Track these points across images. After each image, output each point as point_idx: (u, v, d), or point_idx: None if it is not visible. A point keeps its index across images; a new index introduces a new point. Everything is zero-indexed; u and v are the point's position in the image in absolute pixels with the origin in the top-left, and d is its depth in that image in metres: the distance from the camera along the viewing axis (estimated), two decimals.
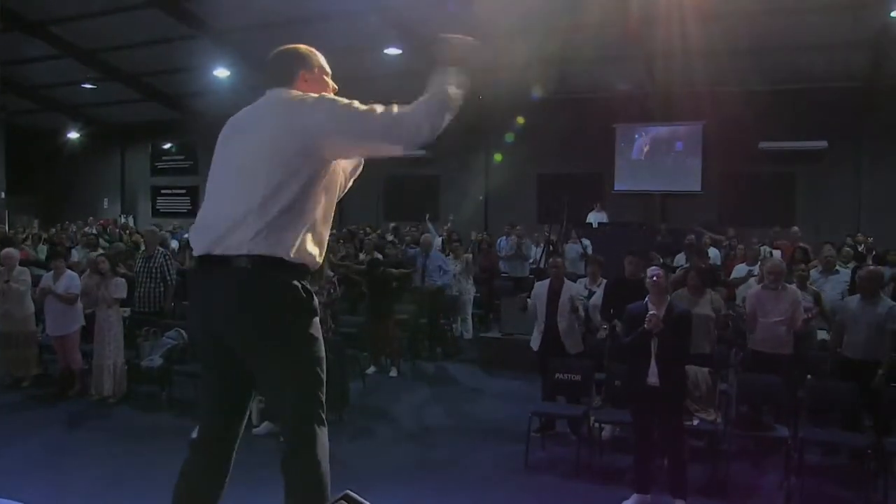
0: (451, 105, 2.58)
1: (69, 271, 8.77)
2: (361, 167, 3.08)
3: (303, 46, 2.87)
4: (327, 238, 2.72)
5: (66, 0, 16.17)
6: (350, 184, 3.04)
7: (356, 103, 2.56)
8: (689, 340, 5.73)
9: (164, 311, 9.41)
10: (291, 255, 2.52)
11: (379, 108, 2.53)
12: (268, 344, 2.54)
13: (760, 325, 6.91)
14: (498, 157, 19.60)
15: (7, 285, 8.65)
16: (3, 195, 23.83)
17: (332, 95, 2.68)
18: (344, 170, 2.86)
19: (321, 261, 2.69)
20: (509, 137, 18.93)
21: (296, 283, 2.54)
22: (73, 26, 17.73)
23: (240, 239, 2.49)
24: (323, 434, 2.61)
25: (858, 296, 6.84)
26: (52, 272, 8.77)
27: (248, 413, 2.81)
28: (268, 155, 2.53)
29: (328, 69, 2.86)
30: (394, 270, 10.27)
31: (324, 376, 2.62)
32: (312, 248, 2.59)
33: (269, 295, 2.51)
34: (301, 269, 2.56)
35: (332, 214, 2.73)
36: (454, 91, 2.59)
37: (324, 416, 2.62)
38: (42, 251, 14.66)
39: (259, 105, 2.76)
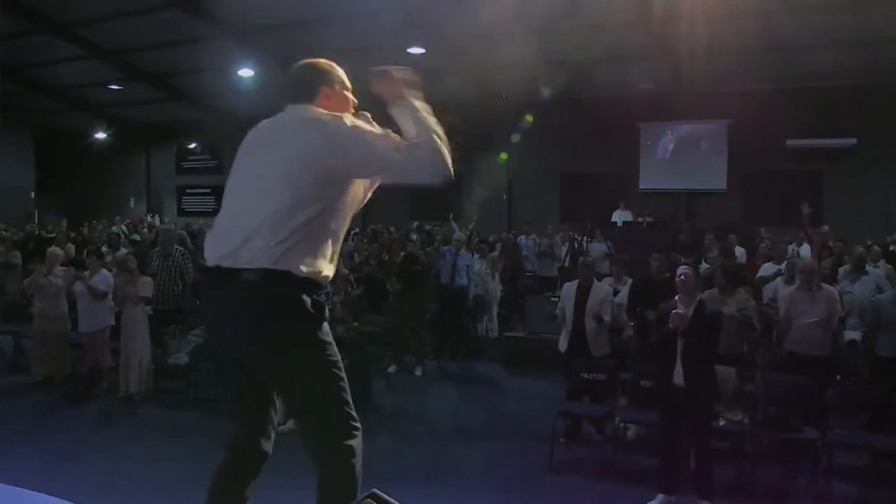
0: (439, 132, 2.55)
1: (103, 270, 8.88)
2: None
3: (323, 61, 2.84)
4: (338, 251, 2.71)
5: (92, 2, 16.31)
6: (370, 194, 3.03)
7: (372, 137, 2.54)
8: (717, 341, 5.66)
9: (183, 309, 9.48)
10: (301, 272, 2.51)
11: (394, 145, 2.51)
12: (277, 354, 2.55)
13: (795, 327, 6.80)
14: (503, 156, 19.50)
15: (46, 279, 8.82)
16: (32, 195, 24.19)
17: (351, 123, 2.61)
18: (364, 183, 2.85)
19: (332, 275, 2.68)
20: (515, 138, 18.93)
21: (304, 297, 2.53)
22: (99, 28, 17.89)
23: (250, 253, 2.50)
24: (351, 435, 2.61)
25: (893, 292, 6.73)
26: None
27: (275, 416, 2.81)
28: (282, 175, 2.53)
29: (349, 84, 2.84)
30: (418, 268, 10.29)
31: (343, 376, 2.61)
32: (323, 265, 2.59)
33: (275, 308, 2.51)
34: (310, 283, 2.55)
35: (347, 226, 2.73)
36: (432, 119, 2.56)
37: (351, 415, 2.62)
38: (70, 251, 14.83)
39: (279, 121, 2.74)
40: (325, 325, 2.60)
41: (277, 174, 2.54)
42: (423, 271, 10.37)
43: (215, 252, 2.61)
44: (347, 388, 2.63)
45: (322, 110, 2.66)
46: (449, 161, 2.51)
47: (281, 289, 2.50)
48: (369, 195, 3.01)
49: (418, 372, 9.89)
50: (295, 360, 2.54)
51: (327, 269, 2.61)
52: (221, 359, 2.81)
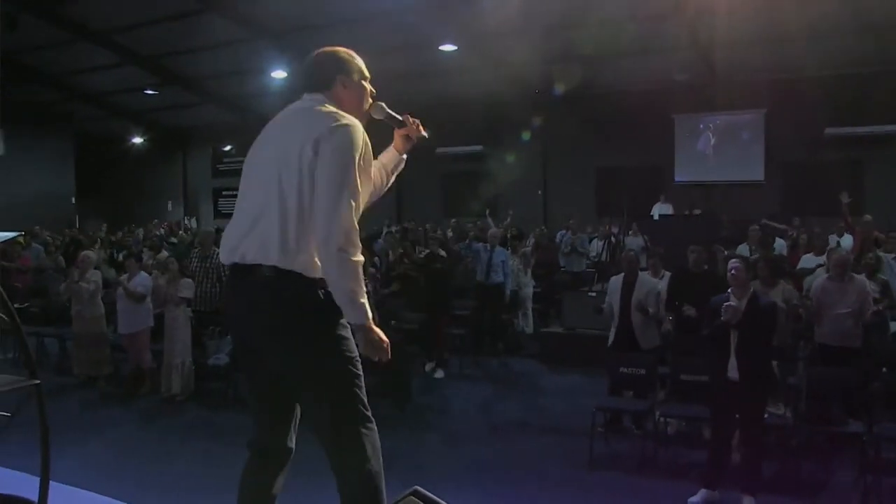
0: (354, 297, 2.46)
1: (142, 272, 9.01)
2: (403, 164, 3.05)
3: (342, 50, 2.81)
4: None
5: (127, 9, 16.56)
6: (392, 179, 3.01)
7: (349, 189, 2.47)
8: (772, 334, 5.59)
9: (222, 310, 9.57)
10: (310, 273, 2.52)
11: (344, 223, 2.44)
12: (293, 348, 2.55)
13: (827, 318, 6.72)
14: (508, 151, 19.43)
15: (77, 285, 8.96)
16: (73, 200, 24.64)
17: (352, 155, 2.51)
18: (384, 167, 2.83)
19: None
20: (524, 136, 18.91)
21: (320, 291, 2.53)
22: (135, 34, 18.16)
23: (263, 250, 2.52)
24: (366, 431, 2.57)
25: None
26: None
27: (296, 413, 2.79)
28: (288, 170, 2.52)
29: (367, 73, 2.81)
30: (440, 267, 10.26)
31: (359, 372, 2.59)
32: None
33: (290, 301, 2.51)
34: (320, 281, 2.54)
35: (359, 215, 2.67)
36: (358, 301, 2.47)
37: (365, 413, 2.59)
38: (108, 254, 15.12)
39: (293, 113, 2.74)
40: (343, 320, 2.57)
41: (282, 170, 2.53)
42: (446, 269, 10.29)
43: (229, 249, 2.63)
44: (363, 385, 2.60)
45: (341, 112, 2.62)
46: (346, 283, 2.44)
47: (296, 284, 2.51)
48: (392, 180, 3.00)
49: (439, 374, 9.70)
50: (310, 352, 2.54)
51: None
52: (243, 355, 2.83)
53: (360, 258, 2.48)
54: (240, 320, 2.69)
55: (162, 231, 19.33)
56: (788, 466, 5.99)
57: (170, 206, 27.43)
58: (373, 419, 2.60)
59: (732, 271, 5.47)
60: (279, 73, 19.17)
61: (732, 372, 5.31)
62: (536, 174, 20.00)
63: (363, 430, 2.56)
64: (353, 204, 2.48)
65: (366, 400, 2.60)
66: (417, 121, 2.99)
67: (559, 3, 14.14)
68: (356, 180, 2.50)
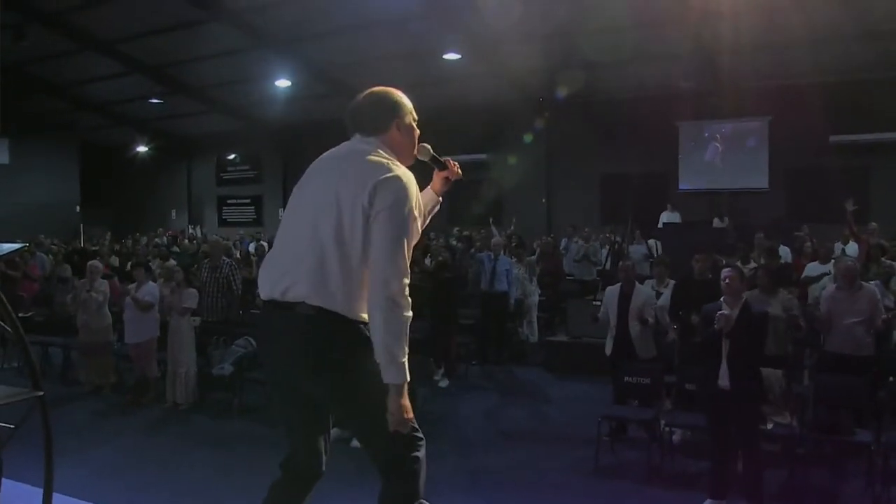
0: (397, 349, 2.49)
1: (150, 282, 9.02)
2: (439, 206, 3.09)
3: (395, 92, 2.83)
4: None
5: (132, 19, 16.64)
6: (428, 220, 3.02)
7: (403, 242, 2.52)
8: (763, 342, 5.58)
9: (231, 320, 9.57)
10: (352, 314, 2.55)
11: (401, 269, 2.49)
12: (340, 381, 2.57)
13: (836, 327, 6.67)
14: (512, 159, 19.45)
15: (88, 295, 8.99)
16: (78, 209, 24.74)
17: (408, 209, 2.55)
18: (423, 207, 2.80)
19: None
20: (527, 141, 18.92)
21: (360, 325, 2.56)
22: (140, 43, 18.25)
23: (304, 289, 2.53)
24: (417, 448, 2.67)
25: None
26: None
27: (328, 438, 2.86)
28: (340, 215, 2.54)
29: (415, 115, 2.83)
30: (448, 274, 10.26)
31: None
32: None
33: (334, 336, 2.54)
34: (362, 323, 2.57)
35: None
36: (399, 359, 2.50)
37: (415, 428, 2.65)
38: (114, 262, 15.13)
39: (346, 155, 2.73)
40: None
41: (331, 214, 2.55)
42: (454, 279, 10.28)
43: (269, 285, 2.64)
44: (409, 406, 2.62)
45: (394, 162, 2.64)
46: (392, 337, 2.47)
47: (337, 322, 2.53)
48: (428, 221, 3.01)
49: (444, 383, 9.68)
50: (358, 384, 2.57)
51: None
52: (278, 388, 2.88)
53: (409, 314, 2.51)
54: (278, 356, 2.71)
55: (165, 239, 19.37)
56: (796, 476, 5.95)
57: (174, 214, 27.52)
58: (422, 434, 2.69)
59: (726, 280, 5.48)
60: (283, 82, 19.25)
61: (723, 380, 5.30)
62: (540, 182, 20.02)
63: (415, 446, 2.67)
64: (409, 254, 2.54)
65: (413, 416, 2.61)
66: (457, 163, 3.06)
67: (562, 11, 14.16)
68: (412, 232, 2.55)
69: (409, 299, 2.51)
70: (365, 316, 2.55)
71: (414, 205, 2.57)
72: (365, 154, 2.64)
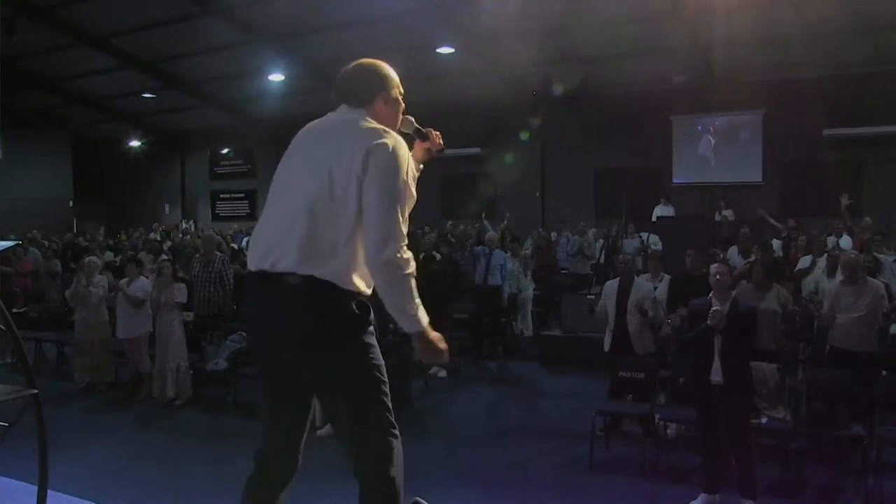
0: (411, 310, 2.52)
1: (142, 277, 9.00)
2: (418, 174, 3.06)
3: (383, 64, 2.84)
4: None
5: (125, 13, 16.55)
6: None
7: (399, 205, 2.52)
8: (753, 337, 5.60)
9: (224, 314, 9.55)
10: (344, 283, 2.52)
11: (396, 231, 2.50)
12: (322, 357, 2.53)
13: (839, 322, 6.66)
14: (506, 153, 19.45)
15: (87, 290, 8.97)
16: (71, 203, 24.65)
17: (405, 173, 2.58)
18: (414, 177, 2.78)
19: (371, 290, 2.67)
20: (522, 137, 18.86)
21: (350, 300, 2.53)
22: (133, 38, 18.15)
23: (294, 259, 2.50)
24: (392, 439, 2.58)
25: None
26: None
27: (308, 427, 2.79)
28: (332, 182, 2.53)
29: (402, 88, 2.84)
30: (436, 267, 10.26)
31: (385, 380, 2.60)
32: (365, 278, 2.58)
33: (321, 310, 2.50)
34: (353, 293, 2.55)
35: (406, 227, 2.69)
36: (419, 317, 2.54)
37: (390, 420, 2.59)
38: (108, 258, 15.08)
39: (333, 124, 2.74)
40: (371, 328, 2.59)
41: (320, 183, 2.53)
42: (442, 272, 10.25)
43: (257, 257, 2.61)
44: (388, 394, 2.61)
45: (385, 128, 2.64)
46: (396, 293, 2.50)
47: (328, 294, 2.50)
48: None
49: (442, 374, 9.69)
50: (339, 363, 2.52)
51: (369, 287, 2.60)
52: (262, 363, 2.81)
53: (412, 268, 2.52)
54: (265, 329, 2.65)
55: (158, 234, 19.32)
56: (790, 469, 5.97)
57: (167, 209, 27.42)
58: (398, 429, 2.61)
59: (717, 276, 5.48)
60: (277, 77, 19.18)
61: (716, 375, 5.31)
62: (535, 176, 19.99)
63: (389, 438, 2.58)
64: (403, 218, 2.54)
65: (391, 408, 2.61)
66: (438, 133, 3.07)
67: (557, 5, 14.14)
68: (406, 195, 2.56)
69: (410, 256, 2.51)
70: (360, 284, 2.54)
71: (407, 169, 2.58)
72: (355, 122, 2.65)
